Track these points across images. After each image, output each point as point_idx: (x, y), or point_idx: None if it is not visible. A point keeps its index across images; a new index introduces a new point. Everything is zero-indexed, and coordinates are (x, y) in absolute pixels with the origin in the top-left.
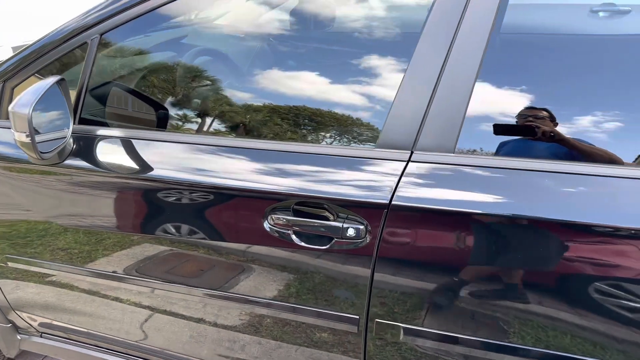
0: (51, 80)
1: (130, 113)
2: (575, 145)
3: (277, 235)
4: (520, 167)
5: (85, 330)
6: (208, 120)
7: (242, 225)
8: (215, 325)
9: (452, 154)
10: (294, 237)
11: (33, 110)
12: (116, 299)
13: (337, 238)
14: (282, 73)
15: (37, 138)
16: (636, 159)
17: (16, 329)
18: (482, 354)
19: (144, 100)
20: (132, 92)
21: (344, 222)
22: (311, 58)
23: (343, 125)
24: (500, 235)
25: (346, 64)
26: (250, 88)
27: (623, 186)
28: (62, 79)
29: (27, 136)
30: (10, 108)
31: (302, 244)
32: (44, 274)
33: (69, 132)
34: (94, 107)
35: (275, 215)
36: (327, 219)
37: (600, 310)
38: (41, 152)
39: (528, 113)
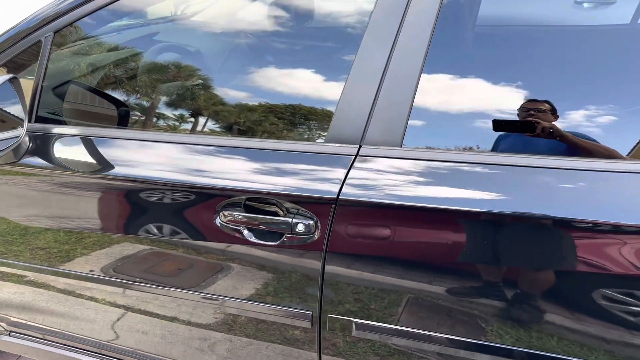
0: (1, 78)
1: (89, 110)
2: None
3: (229, 231)
4: (466, 160)
5: (57, 329)
6: (166, 116)
7: (195, 222)
8: (180, 322)
9: (399, 148)
10: (245, 233)
11: None
12: (89, 298)
13: (287, 234)
14: (239, 70)
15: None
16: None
17: None
18: (435, 348)
19: (104, 97)
20: (91, 89)
21: (293, 218)
22: (263, 53)
23: (294, 121)
24: (447, 228)
25: (298, 59)
26: (211, 84)
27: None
28: (14, 77)
29: None
30: None
31: (254, 240)
32: (13, 273)
33: (23, 130)
34: (51, 105)
35: (227, 212)
36: (277, 214)
37: (580, 307)
38: None
39: (529, 106)
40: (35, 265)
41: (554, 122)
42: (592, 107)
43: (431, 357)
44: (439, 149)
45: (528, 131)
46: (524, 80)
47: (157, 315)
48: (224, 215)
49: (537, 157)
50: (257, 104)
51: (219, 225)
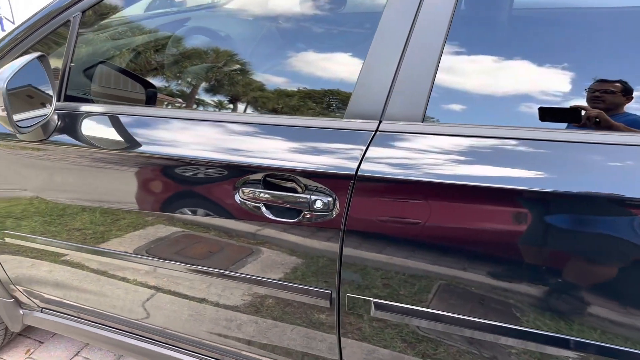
0: (30, 56)
1: (117, 90)
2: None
3: (248, 208)
4: (491, 134)
5: (89, 307)
6: (193, 94)
7: (215, 199)
8: (208, 302)
9: (421, 123)
10: (264, 210)
11: (9, 85)
12: (121, 279)
13: (305, 211)
14: (269, 55)
15: (20, 116)
16: None
17: (19, 304)
18: (453, 330)
19: (132, 78)
20: (120, 70)
21: (312, 195)
22: (288, 34)
23: (314, 97)
24: (469, 205)
25: (317, 35)
26: (241, 65)
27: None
28: (42, 56)
29: (2, 110)
30: None
31: (273, 217)
32: (47, 251)
33: (51, 108)
34: (80, 86)
35: (246, 189)
36: (296, 192)
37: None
38: (20, 127)
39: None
40: (73, 244)
41: (620, 105)
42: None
43: (451, 339)
44: (461, 124)
45: (575, 121)
46: (550, 59)
47: (185, 296)
48: (243, 192)
49: (563, 131)
50: (285, 86)
51: (239, 202)
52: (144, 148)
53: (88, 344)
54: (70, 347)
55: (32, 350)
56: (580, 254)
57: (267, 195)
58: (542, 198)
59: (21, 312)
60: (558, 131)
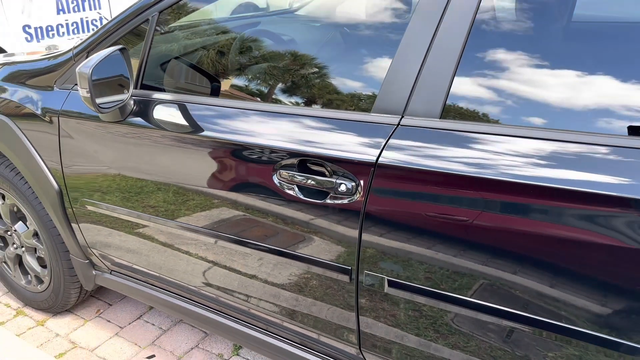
0: (112, 49)
1: (186, 83)
2: None
3: (284, 189)
4: (501, 132)
5: (152, 272)
6: (250, 87)
7: (255, 180)
8: (256, 278)
9: (438, 120)
10: (297, 190)
11: (94, 71)
12: (185, 252)
13: (332, 193)
14: (324, 57)
15: (103, 99)
16: None
17: (92, 265)
18: (464, 312)
19: (199, 72)
20: (190, 65)
21: (337, 179)
22: (350, 44)
23: (349, 93)
24: (474, 195)
25: (355, 40)
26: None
27: None
28: (123, 48)
29: (87, 92)
30: (77, 69)
31: (303, 197)
32: (123, 221)
33: (128, 93)
34: (156, 76)
35: (283, 171)
36: (325, 176)
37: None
38: (101, 107)
39: None
40: (146, 217)
41: None
42: None
43: (461, 321)
44: (474, 122)
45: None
46: (569, 60)
47: (235, 269)
48: (280, 174)
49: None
50: (330, 82)
51: (277, 183)
52: (206, 133)
53: (151, 308)
54: (134, 310)
55: (101, 311)
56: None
57: (300, 178)
58: (548, 193)
59: (94, 272)
60: (565, 132)
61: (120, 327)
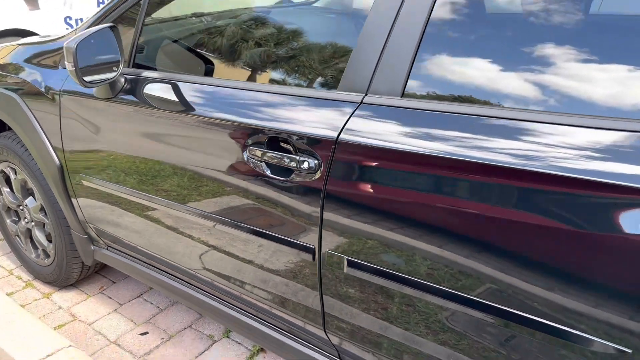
0: (101, 26)
1: (170, 64)
2: None
3: (253, 166)
4: (463, 111)
5: (154, 254)
6: (232, 66)
7: (228, 157)
8: (248, 262)
9: (399, 98)
10: (264, 167)
11: (81, 46)
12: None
13: (296, 170)
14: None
15: (94, 77)
16: None
17: (91, 240)
18: (421, 295)
19: (189, 52)
20: (180, 46)
21: (300, 156)
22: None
23: (321, 71)
24: (434, 175)
25: (331, 20)
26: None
27: None
28: (114, 27)
29: (72, 66)
30: (64, 44)
31: (269, 174)
32: (112, 195)
33: (118, 71)
34: (148, 57)
35: (253, 148)
36: (291, 153)
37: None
38: (85, 81)
39: None
40: (130, 189)
41: None
42: None
43: (416, 302)
44: (436, 100)
45: None
46: (530, 41)
47: (211, 246)
48: (250, 151)
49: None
50: (300, 64)
51: (246, 159)
52: (187, 110)
53: (151, 288)
54: (135, 289)
55: (104, 288)
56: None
57: (268, 155)
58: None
59: (92, 248)
60: (511, 110)
61: (120, 304)
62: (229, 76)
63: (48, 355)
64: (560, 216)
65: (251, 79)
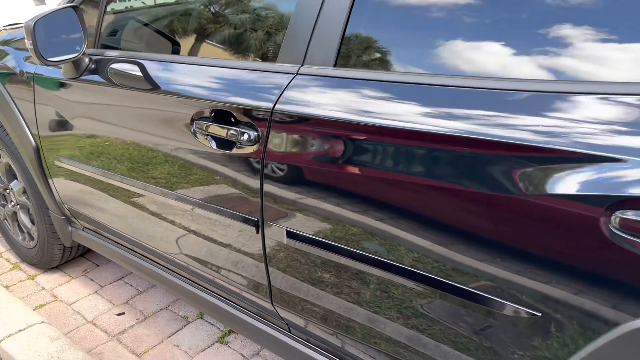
0: (62, 6)
1: (138, 44)
2: None
3: (199, 138)
4: (390, 79)
5: (112, 228)
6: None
7: (175, 130)
8: (218, 243)
9: (332, 68)
10: (209, 139)
11: (40, 25)
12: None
13: (237, 143)
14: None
15: (59, 57)
16: None
17: (69, 222)
18: (358, 265)
19: (159, 33)
20: (144, 25)
21: (241, 128)
22: None
23: (264, 45)
24: (363, 141)
25: None
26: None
27: None
28: (76, 7)
29: (31, 44)
30: (23, 23)
31: (214, 146)
32: (79, 174)
33: (81, 50)
34: (113, 38)
35: (200, 121)
36: (234, 125)
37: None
38: (45, 58)
39: None
40: (116, 175)
41: None
42: None
43: (351, 273)
44: (366, 68)
45: None
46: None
47: (168, 220)
48: (197, 124)
49: (450, 77)
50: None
51: (193, 131)
52: (143, 85)
53: (132, 272)
54: (117, 272)
55: (88, 270)
56: None
57: (210, 127)
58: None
59: (70, 229)
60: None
61: (101, 286)
62: (185, 53)
63: (20, 330)
64: (469, 179)
65: (202, 54)
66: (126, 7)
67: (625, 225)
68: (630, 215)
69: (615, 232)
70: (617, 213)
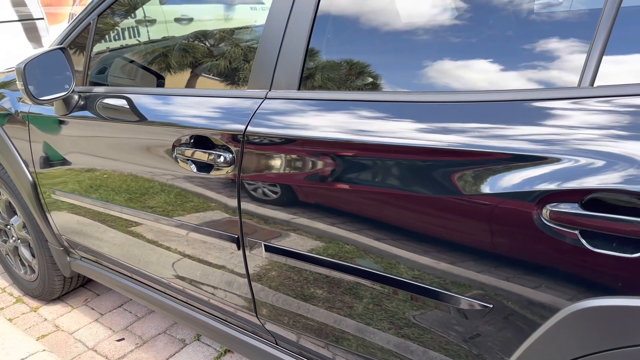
0: (50, 48)
1: (123, 80)
2: None
3: (179, 163)
4: (351, 98)
5: (108, 256)
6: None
7: (158, 156)
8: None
9: (296, 90)
10: (189, 164)
11: (31, 67)
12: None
13: (215, 165)
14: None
15: (50, 96)
16: None
17: (67, 252)
18: (335, 274)
19: (142, 68)
20: (130, 62)
21: (218, 151)
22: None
23: (236, 74)
24: (329, 157)
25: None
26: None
27: None
28: (64, 48)
29: (22, 85)
30: (15, 65)
31: (194, 170)
32: (74, 205)
33: (70, 88)
34: (100, 74)
35: (178, 147)
36: (211, 149)
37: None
38: (35, 97)
39: None
40: (110, 204)
41: None
42: None
43: (329, 282)
44: (327, 90)
45: None
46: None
47: (159, 245)
48: (177, 150)
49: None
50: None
51: (174, 158)
52: (128, 117)
53: (131, 299)
54: (117, 300)
55: (88, 300)
56: None
57: (191, 152)
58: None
59: (68, 259)
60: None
61: (101, 314)
62: (169, 85)
63: (22, 359)
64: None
65: (183, 85)
66: (107, 48)
67: (554, 217)
68: (556, 207)
69: (546, 223)
70: (548, 206)
